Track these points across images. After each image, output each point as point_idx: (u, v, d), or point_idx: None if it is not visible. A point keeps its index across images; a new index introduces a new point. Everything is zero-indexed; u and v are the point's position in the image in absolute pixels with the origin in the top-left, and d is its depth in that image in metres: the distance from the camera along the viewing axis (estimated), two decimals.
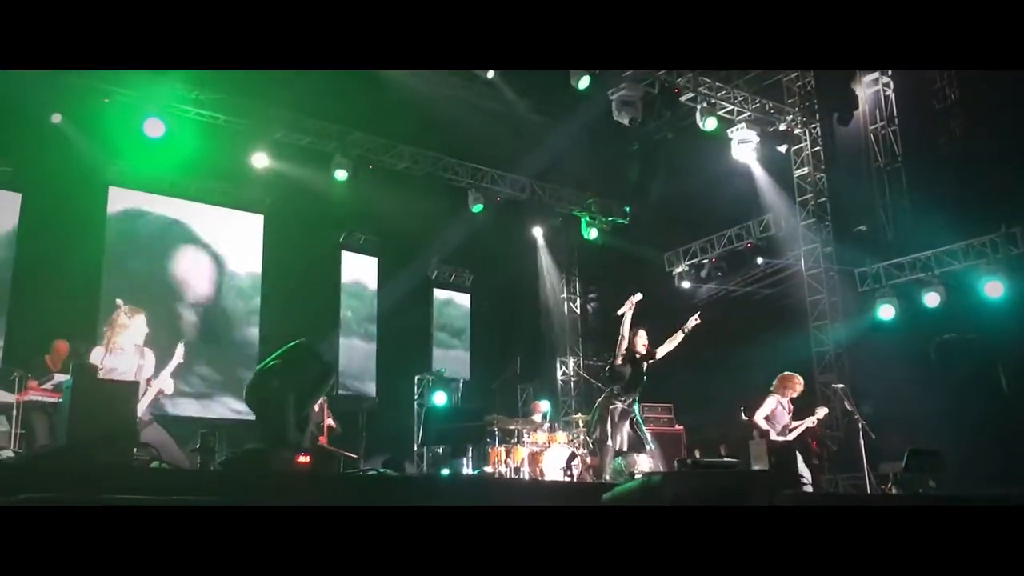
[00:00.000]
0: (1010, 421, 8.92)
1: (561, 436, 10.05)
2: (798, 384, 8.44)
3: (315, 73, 8.01)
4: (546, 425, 10.44)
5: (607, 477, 7.65)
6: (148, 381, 6.04)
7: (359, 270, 13.40)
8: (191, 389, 10.91)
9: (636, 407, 7.92)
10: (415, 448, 12.35)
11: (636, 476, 7.19)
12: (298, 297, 11.99)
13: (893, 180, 11.54)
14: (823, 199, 11.79)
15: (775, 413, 8.33)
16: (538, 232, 14.53)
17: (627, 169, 12.53)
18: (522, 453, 9.59)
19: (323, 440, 8.72)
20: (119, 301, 6.27)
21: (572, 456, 9.54)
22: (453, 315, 14.56)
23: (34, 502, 2.52)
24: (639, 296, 7.76)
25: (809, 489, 7.89)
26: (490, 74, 10.94)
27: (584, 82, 10.23)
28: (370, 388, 13.00)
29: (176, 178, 11.44)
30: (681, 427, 11.31)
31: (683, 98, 11.17)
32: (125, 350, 6.00)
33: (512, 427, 9.98)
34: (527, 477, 9.28)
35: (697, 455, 10.38)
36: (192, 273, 11.72)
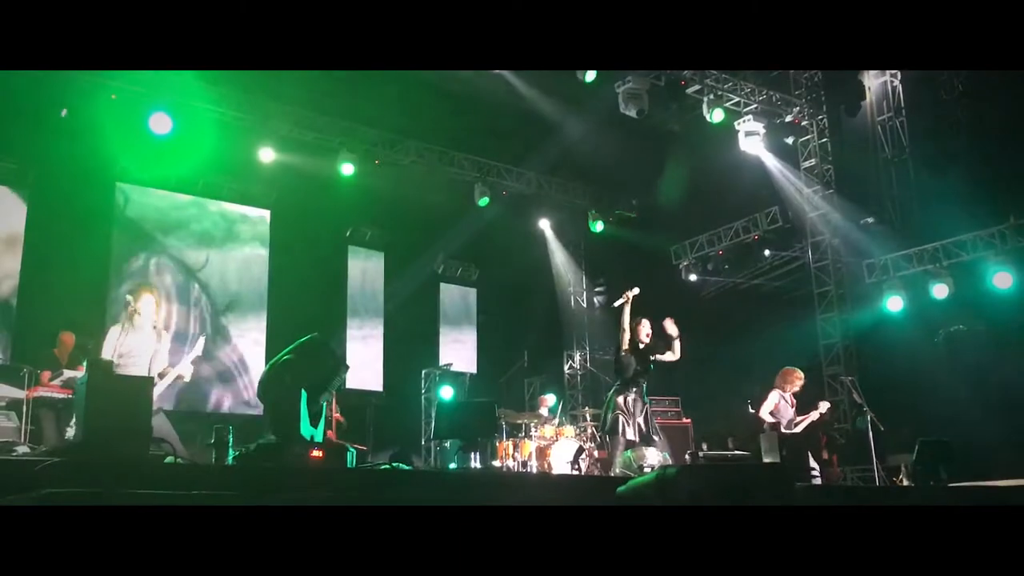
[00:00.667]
0: (1021, 412, 8.90)
1: (569, 430, 10.04)
2: (798, 378, 8.47)
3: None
4: (554, 419, 10.46)
5: (616, 470, 7.66)
6: (165, 368, 6.09)
7: (366, 264, 13.41)
8: (198, 383, 10.92)
9: (645, 398, 7.92)
10: (422, 442, 12.39)
11: (645, 469, 7.23)
12: (305, 292, 12.00)
13: (901, 171, 11.52)
14: (830, 191, 11.76)
15: (778, 407, 8.36)
16: (545, 225, 14.51)
17: (640, 164, 12.48)
18: (529, 447, 9.59)
19: (331, 434, 8.75)
20: (128, 298, 6.32)
21: (580, 450, 9.55)
22: (459, 309, 14.57)
23: (55, 499, 2.52)
24: (636, 291, 7.76)
25: (818, 481, 7.91)
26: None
27: (590, 75, 10.22)
28: (377, 383, 13.01)
29: (183, 173, 11.44)
30: (688, 420, 11.33)
31: (689, 90, 11.16)
32: (144, 329, 6.04)
33: (519, 421, 9.99)
34: (535, 471, 9.28)
35: (704, 448, 10.39)
36: (199, 268, 11.73)
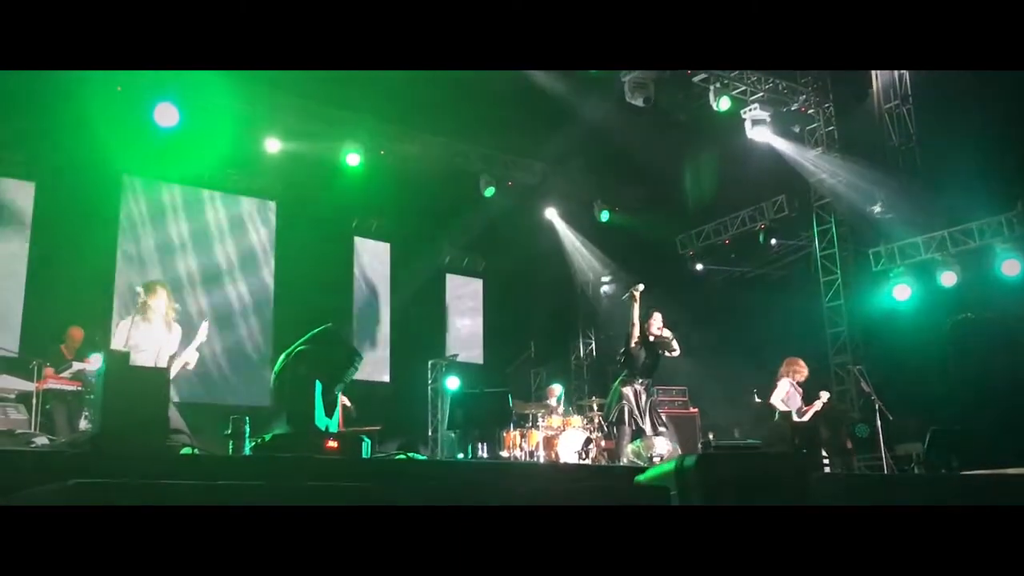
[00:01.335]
0: None
1: (576, 420, 10.06)
2: (803, 368, 8.55)
3: None
4: (560, 409, 10.47)
5: (624, 460, 7.68)
6: (172, 358, 6.10)
7: (372, 255, 13.41)
8: (206, 373, 10.94)
9: (652, 389, 7.95)
10: (429, 433, 12.40)
11: (655, 459, 7.24)
12: (312, 283, 12.00)
13: (908, 159, 11.48)
14: (837, 179, 11.73)
15: (790, 395, 8.39)
16: (552, 214, 14.49)
17: (647, 153, 12.45)
18: (537, 437, 9.61)
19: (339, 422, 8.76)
20: (139, 289, 6.32)
21: (587, 440, 9.57)
22: (466, 299, 14.57)
23: (80, 491, 2.53)
24: (641, 287, 7.78)
25: (828, 470, 7.93)
26: None
27: None
28: (384, 373, 13.03)
29: (189, 166, 11.42)
30: (695, 409, 11.34)
31: (696, 79, 11.14)
32: (154, 323, 6.06)
33: (527, 411, 10.00)
34: (542, 461, 9.30)
35: (711, 437, 10.41)
36: (206, 260, 11.73)
